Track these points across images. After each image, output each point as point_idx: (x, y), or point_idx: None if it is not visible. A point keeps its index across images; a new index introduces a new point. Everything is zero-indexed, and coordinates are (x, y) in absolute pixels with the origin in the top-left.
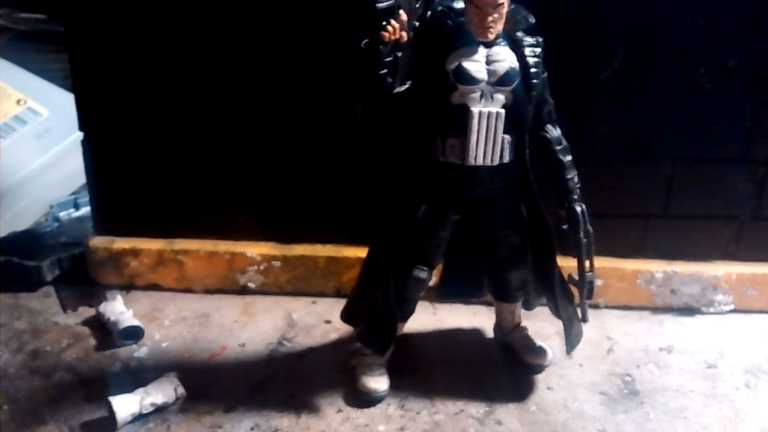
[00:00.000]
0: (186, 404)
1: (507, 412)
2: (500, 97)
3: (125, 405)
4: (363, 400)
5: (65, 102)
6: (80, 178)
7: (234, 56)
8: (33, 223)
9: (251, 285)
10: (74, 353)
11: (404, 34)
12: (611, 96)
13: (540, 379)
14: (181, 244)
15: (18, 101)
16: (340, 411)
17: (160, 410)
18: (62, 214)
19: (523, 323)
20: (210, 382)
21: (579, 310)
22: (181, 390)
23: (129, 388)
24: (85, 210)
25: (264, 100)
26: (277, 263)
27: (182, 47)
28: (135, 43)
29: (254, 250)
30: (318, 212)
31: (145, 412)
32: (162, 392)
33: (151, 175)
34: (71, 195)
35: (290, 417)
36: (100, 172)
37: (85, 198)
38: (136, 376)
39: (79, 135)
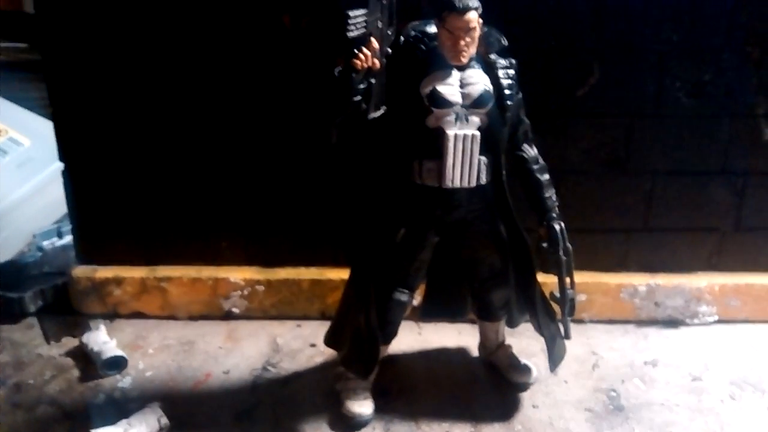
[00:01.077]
0: None
1: None
2: (475, 120)
3: None
4: (348, 425)
5: (46, 131)
6: (63, 207)
7: (213, 84)
8: (16, 254)
9: (235, 310)
10: (57, 385)
11: (377, 61)
12: (588, 113)
13: (525, 397)
14: (163, 271)
15: None
16: None
17: None
18: (45, 244)
19: (508, 341)
20: (194, 410)
21: (562, 327)
22: (164, 420)
23: (113, 419)
24: (69, 239)
25: (244, 126)
26: (261, 287)
27: (160, 75)
28: (113, 72)
29: (237, 275)
30: (300, 235)
31: None
32: (145, 423)
33: (132, 203)
34: (54, 224)
35: None
36: (81, 201)
37: (68, 227)
38: (120, 407)
39: (61, 165)
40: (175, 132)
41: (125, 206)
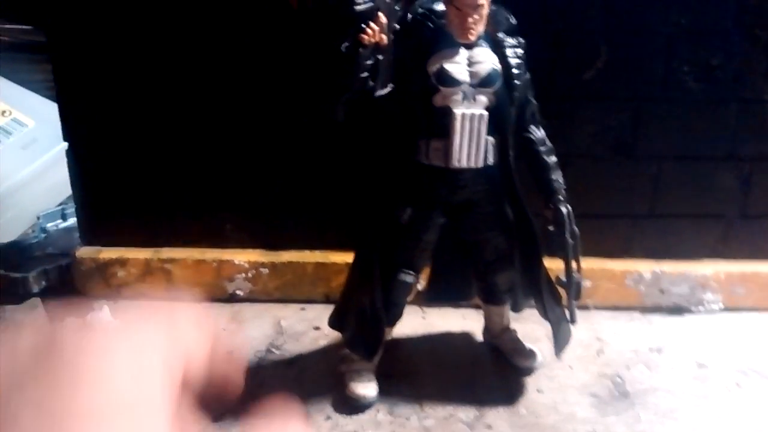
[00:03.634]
0: None
1: (497, 416)
2: (483, 99)
3: None
4: (352, 406)
5: (51, 112)
6: (67, 188)
7: (217, 64)
8: (20, 235)
9: (239, 293)
10: None
11: (384, 37)
12: (596, 96)
13: (530, 381)
14: (168, 253)
15: (3, 112)
16: (329, 418)
17: None
18: (49, 225)
19: (513, 326)
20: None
21: (567, 312)
22: None
23: None
24: (73, 221)
25: (248, 106)
26: (265, 270)
27: (165, 55)
28: (117, 53)
29: (242, 257)
30: (305, 218)
31: None
32: None
33: (136, 185)
34: (58, 206)
35: None
36: (85, 182)
37: (72, 209)
38: None
39: (65, 145)
40: (180, 113)
41: (130, 188)
